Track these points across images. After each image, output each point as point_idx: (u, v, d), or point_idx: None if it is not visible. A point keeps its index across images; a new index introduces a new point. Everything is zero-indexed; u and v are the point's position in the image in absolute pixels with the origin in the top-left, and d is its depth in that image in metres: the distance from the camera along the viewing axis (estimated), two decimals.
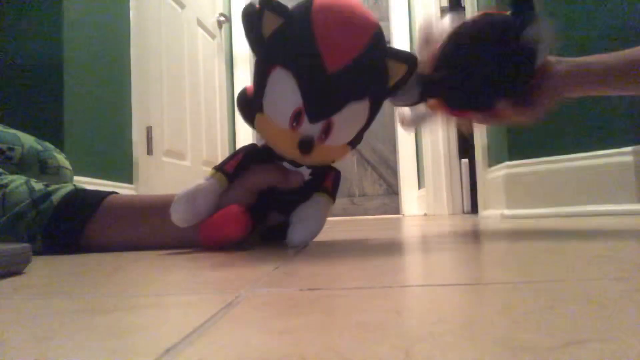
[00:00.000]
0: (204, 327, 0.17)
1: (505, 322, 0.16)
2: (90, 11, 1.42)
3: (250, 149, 0.59)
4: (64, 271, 0.37)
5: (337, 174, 0.60)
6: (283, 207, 0.58)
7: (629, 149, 1.14)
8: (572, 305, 0.19)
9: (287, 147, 0.51)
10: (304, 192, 0.57)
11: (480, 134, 1.67)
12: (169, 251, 0.53)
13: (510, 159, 1.37)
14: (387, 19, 3.00)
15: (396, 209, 2.95)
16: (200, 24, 2.46)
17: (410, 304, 0.20)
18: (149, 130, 1.84)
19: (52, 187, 0.58)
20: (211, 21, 2.61)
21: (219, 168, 0.56)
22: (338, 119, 0.49)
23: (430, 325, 0.16)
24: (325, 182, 0.58)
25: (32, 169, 0.71)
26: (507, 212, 1.35)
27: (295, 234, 0.54)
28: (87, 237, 0.56)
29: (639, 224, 0.73)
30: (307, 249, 0.52)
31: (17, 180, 0.58)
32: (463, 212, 2.35)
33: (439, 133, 2.36)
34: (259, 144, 0.60)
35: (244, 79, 3.05)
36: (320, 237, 0.65)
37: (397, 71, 0.52)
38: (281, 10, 0.50)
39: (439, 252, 0.42)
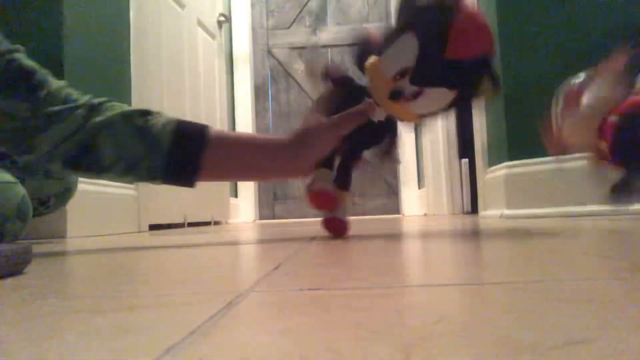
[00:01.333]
0: (204, 327, 0.17)
1: (505, 322, 0.16)
2: (90, 11, 1.42)
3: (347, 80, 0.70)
4: (64, 271, 0.37)
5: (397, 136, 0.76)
6: (362, 146, 0.72)
7: None
8: (572, 305, 0.19)
9: (381, 90, 0.61)
10: (381, 126, 0.67)
11: (480, 134, 1.67)
12: (169, 251, 0.53)
13: (510, 159, 1.37)
14: (385, 18, 3.00)
15: (396, 209, 2.95)
16: (200, 24, 2.46)
17: (410, 304, 0.20)
18: None
19: (152, 122, 0.59)
20: (211, 21, 2.61)
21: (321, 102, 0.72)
22: (428, 92, 0.59)
23: (430, 325, 0.16)
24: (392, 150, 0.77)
25: (38, 174, 0.71)
26: (507, 212, 1.35)
27: None
28: (203, 170, 0.59)
29: (639, 224, 0.72)
30: (307, 249, 0.52)
31: (117, 108, 0.59)
32: (463, 212, 2.35)
33: (439, 133, 2.36)
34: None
35: (244, 79, 3.05)
36: (309, 233, 0.65)
37: (484, 92, 0.61)
38: None
39: (439, 252, 0.42)
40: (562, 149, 0.76)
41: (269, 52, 3.25)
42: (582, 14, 1.30)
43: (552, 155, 0.79)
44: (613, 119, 0.68)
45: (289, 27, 3.25)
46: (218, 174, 0.62)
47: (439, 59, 0.57)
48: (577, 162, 1.22)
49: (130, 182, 0.56)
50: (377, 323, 0.17)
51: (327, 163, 0.69)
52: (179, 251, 0.53)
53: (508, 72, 1.39)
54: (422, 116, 0.65)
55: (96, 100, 0.59)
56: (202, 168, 0.59)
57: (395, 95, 0.60)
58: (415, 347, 0.14)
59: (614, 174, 0.71)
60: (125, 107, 0.60)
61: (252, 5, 3.22)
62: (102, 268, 0.38)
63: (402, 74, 0.59)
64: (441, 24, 0.57)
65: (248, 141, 0.63)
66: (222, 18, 2.71)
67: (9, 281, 0.32)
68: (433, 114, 0.64)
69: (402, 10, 0.63)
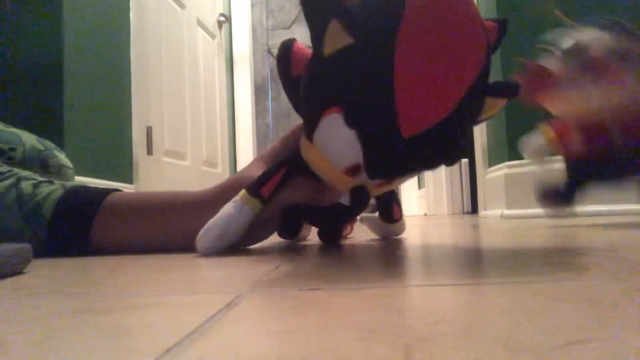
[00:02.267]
0: (204, 327, 0.17)
1: (505, 322, 0.16)
2: (90, 11, 1.42)
3: (293, 164, 0.48)
4: (64, 271, 0.37)
5: (397, 199, 0.58)
6: (318, 222, 0.54)
7: None
8: (572, 305, 0.19)
9: (337, 184, 0.45)
10: (348, 209, 0.50)
11: (480, 134, 1.67)
12: (169, 251, 0.53)
13: (510, 159, 1.37)
14: None
15: None
16: (200, 24, 2.46)
17: (410, 304, 0.20)
18: (149, 130, 1.84)
19: (41, 190, 0.54)
20: (211, 21, 2.61)
21: (255, 191, 0.47)
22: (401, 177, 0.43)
23: (430, 325, 0.16)
24: (394, 213, 0.58)
25: (34, 169, 0.71)
26: (507, 212, 1.35)
27: None
28: (93, 241, 0.53)
29: (639, 224, 0.73)
30: (307, 249, 0.52)
31: (6, 180, 0.55)
32: (463, 212, 2.35)
33: None
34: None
35: (244, 79, 3.05)
36: (314, 237, 0.65)
37: (493, 106, 0.41)
38: (353, 23, 0.36)
39: (439, 251, 0.42)
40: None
41: (269, 52, 3.25)
42: (583, 14, 1.30)
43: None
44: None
45: (289, 27, 3.25)
46: (115, 240, 0.53)
47: (397, 142, 0.36)
48: None
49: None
50: (377, 323, 0.17)
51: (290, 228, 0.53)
52: (176, 250, 0.53)
53: (508, 72, 1.39)
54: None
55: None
56: (92, 234, 0.52)
57: (359, 195, 0.43)
58: (415, 347, 0.14)
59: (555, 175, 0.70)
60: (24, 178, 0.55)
61: (252, 5, 3.22)
62: (102, 268, 0.38)
63: (354, 171, 0.41)
64: (377, 84, 0.35)
65: (153, 201, 0.54)
66: (222, 18, 2.71)
67: (9, 281, 0.32)
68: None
69: (314, 53, 0.39)
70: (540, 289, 0.22)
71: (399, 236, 0.64)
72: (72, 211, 0.53)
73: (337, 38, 0.36)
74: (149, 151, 1.83)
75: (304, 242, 0.63)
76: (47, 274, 0.36)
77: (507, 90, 0.40)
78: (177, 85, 2.15)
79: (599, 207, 1.16)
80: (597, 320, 0.16)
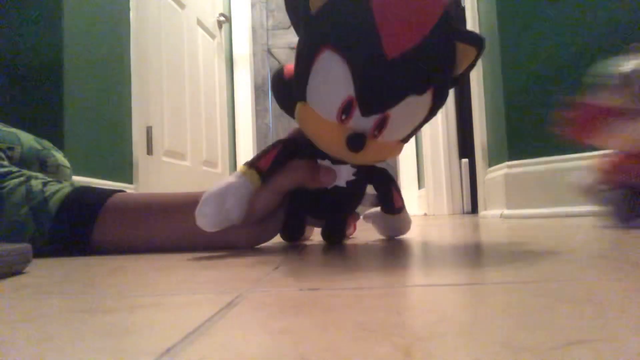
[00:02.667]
0: (204, 327, 0.17)
1: (505, 322, 0.16)
2: (90, 11, 1.42)
3: (288, 143, 0.50)
4: (64, 271, 0.37)
5: (396, 185, 0.57)
6: (317, 211, 0.54)
7: None
8: (572, 305, 0.19)
9: (333, 143, 0.44)
10: (347, 195, 0.51)
11: (480, 134, 1.67)
12: (170, 251, 0.53)
13: (510, 159, 1.37)
14: None
15: None
16: (200, 24, 2.46)
17: (410, 304, 0.20)
18: (149, 130, 1.84)
19: (49, 188, 0.55)
20: (211, 21, 2.61)
21: (252, 164, 0.49)
22: (395, 112, 0.42)
23: (431, 325, 0.16)
24: (395, 201, 0.56)
25: (32, 169, 0.71)
26: (507, 212, 1.35)
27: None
28: (95, 241, 0.53)
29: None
30: (307, 248, 0.52)
31: (16, 178, 0.56)
32: (463, 212, 2.35)
33: (439, 133, 2.36)
34: (291, 134, 0.53)
35: (244, 79, 3.05)
36: (317, 237, 0.65)
37: (465, 56, 0.44)
38: None
39: (439, 251, 0.42)
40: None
41: (269, 52, 3.25)
42: (583, 14, 1.30)
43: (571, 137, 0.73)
44: None
45: (289, 27, 3.25)
46: (116, 239, 0.53)
47: (383, 64, 0.40)
48: (577, 162, 1.22)
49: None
50: (377, 323, 0.17)
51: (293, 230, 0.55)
52: (178, 251, 0.53)
53: (508, 72, 1.39)
54: (405, 139, 0.47)
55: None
56: (94, 233, 0.53)
57: (356, 142, 0.42)
58: (415, 347, 0.14)
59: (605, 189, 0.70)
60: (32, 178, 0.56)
61: (252, 5, 3.22)
62: (102, 268, 0.38)
63: (346, 110, 0.42)
64: (359, 16, 0.40)
65: (154, 201, 0.54)
66: (222, 18, 2.71)
67: (9, 281, 0.32)
68: (417, 127, 0.47)
69: (299, 25, 0.45)
70: (540, 289, 0.22)
71: (404, 235, 0.64)
72: (75, 209, 0.53)
73: None
74: (149, 151, 1.83)
75: (305, 242, 0.63)
76: (47, 274, 0.36)
77: (469, 35, 0.44)
78: (177, 85, 2.15)
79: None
80: (597, 320, 0.16)
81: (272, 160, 0.49)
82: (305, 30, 0.44)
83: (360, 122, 0.42)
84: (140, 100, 1.74)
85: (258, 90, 3.23)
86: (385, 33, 0.39)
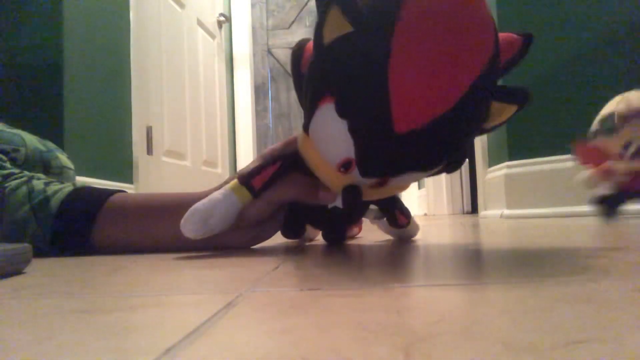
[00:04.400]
0: (204, 327, 0.17)
1: (505, 322, 0.16)
2: (90, 11, 1.42)
3: (288, 160, 0.47)
4: (64, 271, 0.37)
5: (401, 206, 0.55)
6: (315, 222, 0.53)
7: None
8: (572, 305, 0.19)
9: (330, 183, 0.43)
10: (347, 215, 0.50)
11: None
12: (168, 252, 0.53)
13: (510, 159, 1.37)
14: None
15: None
16: (200, 24, 2.46)
17: (410, 304, 0.20)
18: (149, 130, 1.84)
19: (51, 188, 0.56)
20: (211, 21, 2.61)
21: (245, 181, 0.47)
22: (395, 178, 0.40)
23: (430, 325, 0.16)
24: (399, 220, 0.55)
25: (35, 170, 0.71)
26: (507, 212, 1.35)
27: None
28: (95, 240, 0.53)
29: (639, 224, 0.73)
30: (307, 249, 0.52)
31: (18, 179, 0.57)
32: (463, 212, 2.35)
33: None
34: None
35: (244, 79, 3.05)
36: (321, 237, 0.65)
37: (502, 113, 0.37)
38: (353, 10, 0.34)
39: (439, 251, 0.42)
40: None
41: (269, 52, 3.25)
42: (583, 14, 1.30)
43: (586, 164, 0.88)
44: None
45: (289, 27, 3.25)
46: (116, 239, 0.53)
47: (388, 138, 0.34)
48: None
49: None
50: (377, 323, 0.17)
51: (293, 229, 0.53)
52: (178, 251, 0.53)
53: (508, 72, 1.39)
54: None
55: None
56: (94, 232, 0.53)
57: (352, 194, 0.40)
58: (415, 347, 0.14)
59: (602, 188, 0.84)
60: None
61: (252, 5, 3.22)
62: (102, 268, 0.38)
63: (346, 165, 0.39)
64: (371, 80, 0.33)
65: (154, 201, 0.55)
66: (222, 18, 2.71)
67: (9, 281, 0.32)
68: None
69: (315, 47, 0.38)
70: (540, 289, 0.22)
71: (413, 237, 0.64)
72: (76, 208, 0.54)
73: (336, 25, 0.35)
74: (149, 151, 1.83)
75: (308, 243, 0.63)
76: (47, 274, 0.36)
77: (513, 95, 0.37)
78: (177, 85, 2.15)
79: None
80: (597, 320, 0.16)
81: (267, 179, 0.47)
82: (316, 58, 0.38)
83: (358, 178, 0.40)
84: (140, 100, 1.74)
85: (258, 90, 3.23)
86: (397, 103, 0.33)
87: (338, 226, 0.54)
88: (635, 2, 1.24)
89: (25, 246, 0.37)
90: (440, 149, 0.36)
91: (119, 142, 1.59)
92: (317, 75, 0.38)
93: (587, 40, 1.27)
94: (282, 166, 0.47)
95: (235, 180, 0.48)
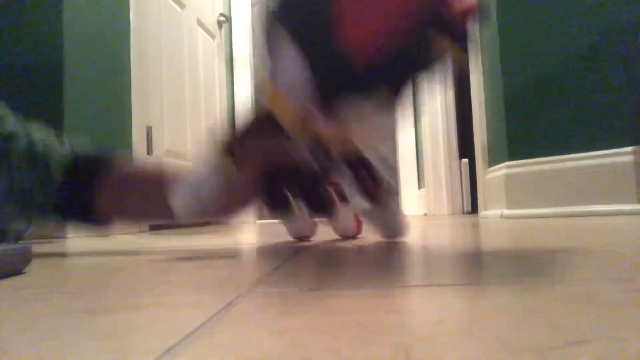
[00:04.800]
0: (204, 327, 0.17)
1: (505, 322, 0.16)
2: (90, 11, 1.42)
3: (257, 121, 0.48)
4: (64, 271, 0.37)
5: (375, 175, 0.54)
6: (296, 185, 0.54)
7: (628, 149, 1.14)
8: (572, 305, 0.19)
9: (295, 129, 0.43)
10: (322, 175, 0.51)
11: (480, 134, 1.67)
12: (169, 251, 0.53)
13: (510, 159, 1.37)
14: None
15: None
16: (200, 24, 2.46)
17: (410, 304, 0.20)
18: (149, 130, 1.84)
19: (52, 152, 0.56)
20: (211, 21, 2.61)
21: (224, 148, 0.48)
22: (349, 112, 0.40)
23: (430, 325, 0.16)
24: (368, 184, 0.54)
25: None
26: (507, 212, 1.35)
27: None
28: (99, 210, 0.55)
29: (639, 224, 0.73)
30: (308, 249, 0.52)
31: (20, 135, 0.57)
32: (463, 212, 2.35)
33: (439, 133, 2.36)
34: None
35: (244, 79, 3.05)
36: (321, 237, 0.65)
37: (446, 52, 0.38)
38: None
39: (439, 252, 0.42)
40: None
41: None
42: (583, 14, 1.30)
43: None
44: None
45: None
46: (118, 207, 0.55)
47: (335, 48, 0.35)
48: (577, 162, 1.22)
49: (27, 222, 0.54)
50: (377, 323, 0.17)
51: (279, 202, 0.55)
52: (179, 251, 0.53)
53: (508, 72, 1.39)
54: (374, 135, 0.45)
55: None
56: (97, 201, 0.53)
57: (317, 145, 0.41)
58: (415, 347, 0.14)
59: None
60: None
61: (252, 5, 3.22)
62: (102, 268, 0.38)
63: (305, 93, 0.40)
64: (320, 10, 0.35)
65: (153, 171, 0.57)
66: (222, 18, 2.71)
67: (9, 281, 0.32)
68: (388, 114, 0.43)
69: None
70: (540, 289, 0.22)
71: (403, 238, 0.64)
72: (79, 178, 0.55)
73: None
74: (149, 151, 1.83)
75: (306, 243, 0.63)
76: (47, 274, 0.36)
77: (454, 30, 0.37)
78: (177, 85, 2.15)
79: (598, 207, 1.16)
80: (597, 320, 0.16)
81: (242, 142, 0.48)
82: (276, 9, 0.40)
83: (319, 116, 0.41)
84: (140, 100, 1.74)
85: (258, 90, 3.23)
86: (343, 28, 0.35)
87: (315, 184, 0.55)
88: (635, 2, 1.24)
89: (25, 246, 0.37)
90: (385, 73, 0.37)
91: (119, 142, 1.59)
92: (273, 14, 0.40)
93: (588, 40, 1.27)
94: (252, 128, 0.48)
95: (218, 150, 0.49)
